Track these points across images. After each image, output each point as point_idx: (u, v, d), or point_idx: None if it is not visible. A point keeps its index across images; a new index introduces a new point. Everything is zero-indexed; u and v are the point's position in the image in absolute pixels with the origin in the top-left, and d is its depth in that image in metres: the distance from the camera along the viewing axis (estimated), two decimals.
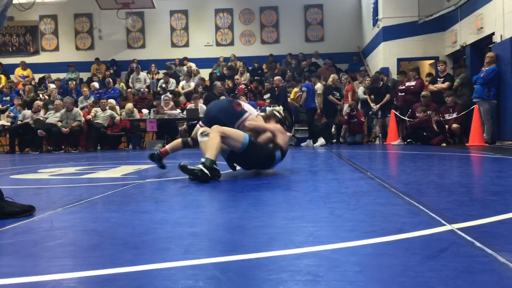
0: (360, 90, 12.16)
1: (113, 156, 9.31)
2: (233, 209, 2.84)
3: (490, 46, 10.11)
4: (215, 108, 5.11)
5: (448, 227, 2.07)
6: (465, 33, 11.39)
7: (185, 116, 11.90)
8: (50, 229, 2.35)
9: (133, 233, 2.18)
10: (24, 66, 17.09)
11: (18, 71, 17.07)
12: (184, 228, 2.24)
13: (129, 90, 14.78)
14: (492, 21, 9.99)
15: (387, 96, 11.27)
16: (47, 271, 1.63)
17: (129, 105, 12.71)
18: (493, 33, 10.01)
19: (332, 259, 1.65)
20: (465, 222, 2.16)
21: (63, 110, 11.81)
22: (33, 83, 16.15)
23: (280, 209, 2.83)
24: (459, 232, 1.96)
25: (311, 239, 1.94)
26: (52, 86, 14.57)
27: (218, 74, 15.21)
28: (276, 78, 12.68)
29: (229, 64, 15.53)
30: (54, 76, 16.25)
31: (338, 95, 11.63)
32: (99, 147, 12.26)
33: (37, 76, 17.04)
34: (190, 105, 12.03)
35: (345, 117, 11.31)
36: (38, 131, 11.66)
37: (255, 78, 15.00)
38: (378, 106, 11.35)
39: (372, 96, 11.52)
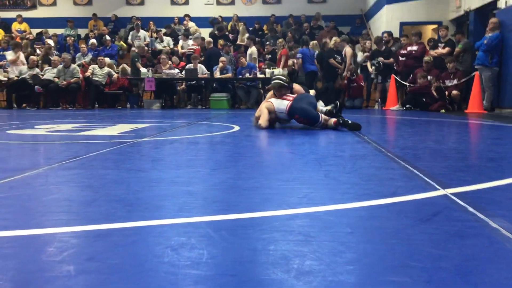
0: (359, 55, 11.99)
1: (111, 114, 9.28)
2: (229, 170, 2.85)
3: (495, 12, 9.94)
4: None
5: (441, 191, 2.08)
6: None
7: (183, 76, 11.79)
8: (45, 184, 2.36)
9: (128, 190, 2.19)
10: (21, 20, 16.79)
11: (15, 25, 16.79)
12: (179, 187, 2.25)
13: (132, 49, 14.46)
14: None
15: (391, 60, 11.08)
16: (41, 225, 1.64)
17: (123, 65, 12.57)
18: None
19: (324, 220, 1.66)
20: (459, 187, 2.17)
21: (60, 66, 11.67)
22: (30, 37, 15.89)
23: (276, 170, 2.84)
24: (452, 197, 1.97)
25: (305, 201, 1.95)
26: (50, 42, 14.35)
27: (215, 32, 14.93)
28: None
29: (220, 24, 15.21)
30: (51, 31, 15.98)
31: (339, 58, 11.48)
32: (96, 105, 12.20)
33: (34, 31, 16.76)
34: (189, 65, 11.90)
35: (345, 81, 11.22)
36: (35, 87, 11.57)
37: (256, 39, 14.77)
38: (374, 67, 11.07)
39: (373, 61, 11.26)
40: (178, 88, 12.45)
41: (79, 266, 1.25)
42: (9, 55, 12.34)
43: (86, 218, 1.73)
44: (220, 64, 11.73)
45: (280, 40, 12.73)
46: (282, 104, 5.34)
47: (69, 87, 11.49)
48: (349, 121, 5.14)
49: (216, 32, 14.37)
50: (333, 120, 5.21)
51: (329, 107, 5.41)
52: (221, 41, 13.52)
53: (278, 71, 10.41)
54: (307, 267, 1.21)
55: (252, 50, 12.44)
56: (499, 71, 9.36)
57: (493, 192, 2.14)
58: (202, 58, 12.58)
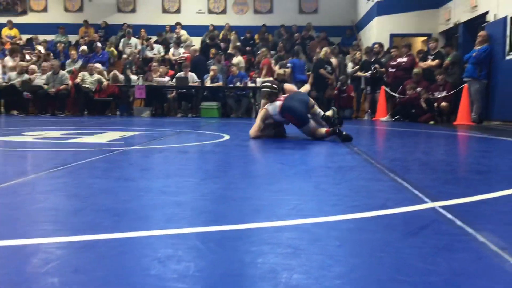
0: (349, 66, 12.08)
1: (100, 121, 9.23)
2: (219, 180, 2.84)
3: (484, 25, 10.07)
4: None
5: (430, 204, 2.08)
6: (459, 11, 11.31)
7: (174, 84, 11.78)
8: (31, 193, 2.33)
9: (115, 200, 2.17)
10: (11, 25, 16.69)
11: (5, 31, 16.69)
12: (168, 197, 2.23)
13: (124, 56, 14.42)
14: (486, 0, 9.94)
15: (383, 69, 11.13)
16: (25, 235, 1.62)
17: (114, 72, 12.53)
18: (487, 12, 9.94)
19: (313, 233, 1.65)
20: (447, 200, 2.17)
21: (49, 73, 11.61)
22: (20, 43, 15.79)
23: (266, 181, 2.83)
24: (441, 210, 1.97)
25: (294, 212, 1.95)
26: (40, 48, 14.27)
27: (207, 41, 14.96)
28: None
29: (212, 33, 15.23)
30: (41, 37, 15.91)
31: (329, 69, 11.55)
32: (86, 112, 12.14)
33: (25, 37, 16.67)
34: (179, 74, 11.89)
35: (335, 91, 11.28)
36: (24, 93, 11.49)
37: (246, 48, 14.81)
38: (365, 74, 11.15)
39: (372, 67, 11.23)
40: (169, 96, 12.44)
41: (64, 278, 1.22)
42: (8, 61, 12.30)
43: (72, 228, 1.71)
44: (211, 73, 11.74)
45: (263, 49, 12.80)
46: (276, 106, 5.33)
47: (58, 93, 11.42)
48: (344, 132, 5.09)
49: (208, 41, 14.38)
50: (324, 129, 5.17)
51: (329, 113, 5.40)
52: (213, 50, 13.53)
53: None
54: (294, 281, 1.20)
55: (239, 59, 12.46)
56: (487, 83, 9.46)
57: (481, 205, 2.15)
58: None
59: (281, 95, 5.47)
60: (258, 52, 13.23)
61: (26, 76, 11.85)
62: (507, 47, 8.97)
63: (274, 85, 5.60)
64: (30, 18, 17.90)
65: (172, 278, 1.21)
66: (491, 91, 9.51)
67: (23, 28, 17.10)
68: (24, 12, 18.03)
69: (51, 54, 13.60)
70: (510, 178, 2.99)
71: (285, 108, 5.21)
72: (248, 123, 7.56)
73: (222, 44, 14.73)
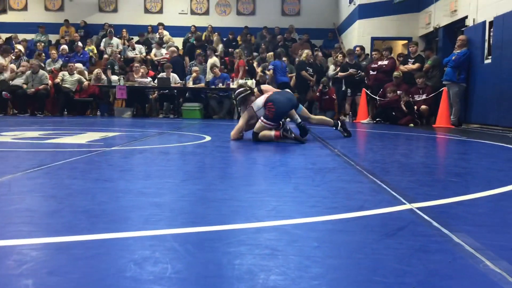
0: (331, 69, 12.15)
1: (80, 122, 9.13)
2: (199, 181, 2.83)
3: (463, 29, 10.22)
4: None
5: (407, 206, 2.11)
6: (439, 15, 11.46)
7: (156, 85, 11.71)
8: (7, 194, 2.29)
9: (93, 201, 2.14)
10: None
11: None
12: (147, 198, 2.22)
13: (105, 56, 14.27)
14: (466, 4, 10.07)
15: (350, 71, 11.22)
16: (1, 237, 1.59)
17: (97, 70, 12.39)
18: (466, 17, 10.09)
19: (292, 234, 1.65)
20: (424, 202, 2.20)
21: (28, 72, 11.43)
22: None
23: (246, 182, 2.83)
24: (418, 212, 2.00)
25: (273, 214, 1.95)
26: (20, 47, 14.05)
27: (193, 42, 14.91)
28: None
29: (197, 34, 15.19)
30: (21, 36, 15.67)
31: (311, 71, 11.61)
32: (66, 112, 11.99)
33: (4, 36, 16.41)
34: (161, 74, 11.83)
35: (317, 93, 11.34)
36: (3, 92, 11.30)
37: (229, 50, 14.80)
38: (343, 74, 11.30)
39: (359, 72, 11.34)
40: (150, 96, 12.35)
41: (38, 280, 1.21)
42: None
43: (48, 229, 1.69)
44: (193, 74, 11.70)
45: (238, 50, 12.82)
46: (261, 100, 5.28)
47: (38, 93, 11.26)
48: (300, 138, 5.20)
49: (194, 42, 14.29)
50: (273, 132, 5.13)
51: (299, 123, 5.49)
52: (198, 50, 13.48)
53: (242, 82, 10.27)
54: (272, 282, 1.20)
55: (214, 60, 12.37)
56: (466, 87, 9.60)
57: (457, 207, 2.18)
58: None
59: (258, 95, 5.47)
60: (234, 54, 13.25)
61: (4, 76, 11.66)
62: (486, 51, 9.12)
63: (243, 87, 5.57)
64: (9, 17, 17.63)
65: (148, 280, 1.20)
66: (469, 95, 9.65)
67: (2, 27, 16.85)
68: (3, 11, 17.75)
69: (43, 54, 13.40)
70: (486, 180, 3.04)
71: (271, 99, 5.19)
72: (230, 125, 7.55)
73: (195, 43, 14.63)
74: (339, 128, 5.96)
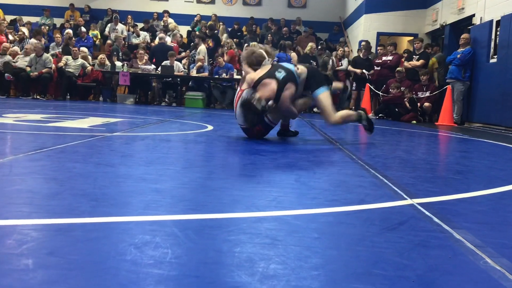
0: (345, 62, 12.10)
1: (82, 106, 9.12)
2: (200, 169, 2.83)
3: (469, 27, 10.17)
4: None
5: (408, 201, 2.10)
6: (446, 12, 11.41)
7: (159, 73, 11.68)
8: (8, 175, 2.29)
9: (94, 185, 2.14)
10: None
11: None
12: (147, 184, 2.22)
13: (108, 42, 14.21)
14: (473, 2, 10.02)
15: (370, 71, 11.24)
16: (1, 216, 1.59)
17: (101, 56, 12.36)
18: (473, 15, 10.04)
19: (292, 225, 1.65)
20: (426, 197, 2.19)
21: (32, 55, 11.41)
22: (4, 24, 15.49)
23: (247, 172, 2.83)
24: (419, 207, 1.99)
25: (273, 204, 1.95)
26: (24, 30, 14.01)
27: (197, 32, 14.84)
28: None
29: (209, 23, 15.14)
30: (25, 19, 15.62)
31: (314, 64, 11.57)
32: (68, 97, 11.98)
33: (9, 18, 16.34)
34: (165, 62, 11.79)
35: None
36: (6, 74, 11.29)
37: (234, 40, 14.75)
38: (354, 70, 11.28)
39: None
40: (153, 84, 12.33)
41: (38, 260, 1.21)
42: None
43: (48, 211, 1.68)
44: (198, 63, 11.66)
45: (229, 40, 12.72)
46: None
47: (41, 76, 11.25)
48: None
49: (207, 31, 14.14)
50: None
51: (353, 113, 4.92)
52: (209, 41, 13.34)
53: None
54: (271, 271, 1.20)
55: (201, 48, 12.21)
56: (470, 85, 9.58)
57: (458, 204, 2.18)
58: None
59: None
60: (246, 44, 13.16)
61: (8, 58, 11.64)
62: (492, 50, 9.08)
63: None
64: None
65: (148, 264, 1.20)
66: (473, 94, 9.63)
67: (7, 9, 16.79)
68: None
69: (42, 37, 13.32)
70: (488, 178, 3.04)
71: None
72: (232, 115, 7.53)
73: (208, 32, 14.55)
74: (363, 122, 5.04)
